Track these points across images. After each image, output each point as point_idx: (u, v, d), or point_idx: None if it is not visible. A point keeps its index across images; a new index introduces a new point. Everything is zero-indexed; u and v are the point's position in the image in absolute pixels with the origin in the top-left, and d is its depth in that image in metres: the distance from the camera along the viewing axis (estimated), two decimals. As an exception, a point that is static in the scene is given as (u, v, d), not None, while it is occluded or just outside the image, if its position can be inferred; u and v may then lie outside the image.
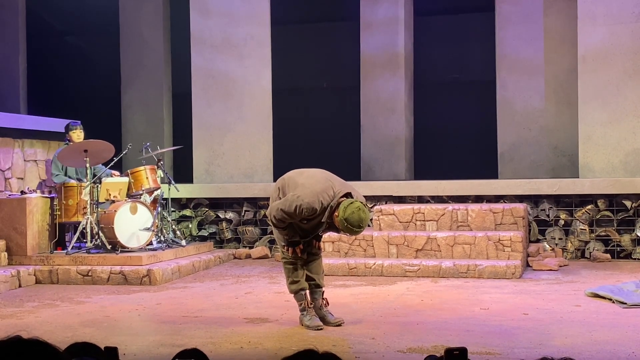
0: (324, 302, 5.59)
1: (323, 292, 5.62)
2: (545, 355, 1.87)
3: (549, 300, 6.46)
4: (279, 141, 10.70)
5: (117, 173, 8.85)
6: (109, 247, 8.19)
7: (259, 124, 10.34)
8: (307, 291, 5.55)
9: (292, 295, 5.59)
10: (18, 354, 1.64)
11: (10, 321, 6.01)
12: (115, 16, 12.31)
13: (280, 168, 8.86)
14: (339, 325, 5.48)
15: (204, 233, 10.18)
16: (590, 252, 8.90)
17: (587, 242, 8.98)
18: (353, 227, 5.08)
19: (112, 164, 8.54)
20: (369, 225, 5.32)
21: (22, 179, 9.40)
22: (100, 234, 8.17)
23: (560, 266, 8.30)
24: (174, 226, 9.20)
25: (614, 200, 8.92)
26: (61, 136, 9.30)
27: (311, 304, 5.54)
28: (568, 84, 10.50)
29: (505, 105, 11.03)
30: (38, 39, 12.80)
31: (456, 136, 11.85)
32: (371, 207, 9.57)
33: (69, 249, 8.25)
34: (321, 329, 5.41)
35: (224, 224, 10.16)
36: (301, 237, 5.46)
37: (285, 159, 9.86)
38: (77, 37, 13.19)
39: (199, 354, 2.46)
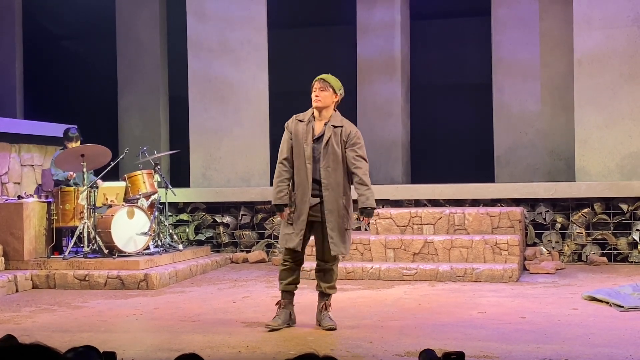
0: (323, 306, 5.60)
1: (328, 298, 5.62)
2: (545, 358, 1.88)
3: (547, 304, 6.47)
4: (275, 145, 10.68)
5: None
6: (106, 251, 8.18)
7: (256, 128, 10.35)
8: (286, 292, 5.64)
9: None
10: (20, 358, 1.65)
11: (7, 326, 5.99)
12: (112, 20, 12.32)
13: (277, 172, 8.86)
14: (331, 330, 5.48)
15: (201, 237, 10.18)
16: (587, 256, 8.92)
17: (583, 246, 8.99)
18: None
19: (108, 168, 8.52)
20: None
21: (18, 183, 9.40)
22: (98, 238, 8.16)
23: (557, 269, 8.31)
24: (171, 230, 9.19)
25: (610, 204, 8.94)
26: (58, 141, 9.29)
27: (283, 305, 5.60)
28: (564, 88, 10.53)
29: (501, 109, 11.05)
30: (35, 44, 12.79)
31: (453, 140, 11.86)
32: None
33: (66, 253, 8.23)
34: (270, 330, 5.47)
35: (221, 228, 10.16)
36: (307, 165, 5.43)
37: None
38: (74, 42, 13.18)
39: (197, 359, 2.46)
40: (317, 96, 5.41)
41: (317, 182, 5.42)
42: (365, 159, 5.44)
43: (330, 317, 5.58)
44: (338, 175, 5.40)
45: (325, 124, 5.45)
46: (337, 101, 5.52)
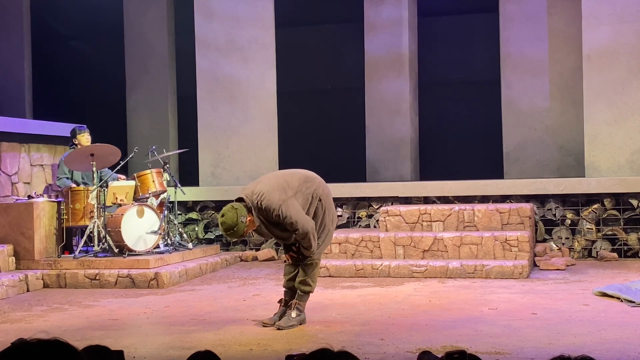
0: (287, 305, 5.69)
1: (296, 296, 5.70)
2: (561, 354, 1.87)
3: (557, 300, 6.46)
4: (284, 143, 10.72)
5: (123, 177, 8.86)
6: (116, 250, 8.20)
7: (264, 126, 10.36)
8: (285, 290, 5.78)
9: None
10: (40, 354, 1.65)
11: (19, 325, 6.02)
12: (119, 20, 12.34)
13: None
14: (278, 329, 5.53)
15: (211, 236, 10.20)
16: (597, 252, 8.90)
17: (594, 242, 8.97)
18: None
19: (118, 167, 8.55)
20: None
21: (28, 183, 9.42)
22: (108, 237, 8.19)
23: (567, 265, 8.29)
24: (180, 229, 9.21)
25: (620, 199, 8.91)
26: (68, 140, 9.31)
27: (283, 303, 5.72)
28: (573, 83, 10.49)
29: (510, 105, 11.03)
30: (43, 44, 12.83)
31: (461, 136, 11.84)
32: (377, 208, 9.58)
33: (77, 253, 8.26)
34: (264, 325, 5.59)
35: (230, 227, 10.16)
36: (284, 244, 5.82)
37: (290, 161, 9.84)
38: (82, 42, 13.21)
39: (212, 356, 2.47)
40: (250, 235, 5.66)
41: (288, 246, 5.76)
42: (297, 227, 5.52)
43: (288, 317, 5.58)
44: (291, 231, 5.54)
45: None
46: (252, 217, 5.38)
